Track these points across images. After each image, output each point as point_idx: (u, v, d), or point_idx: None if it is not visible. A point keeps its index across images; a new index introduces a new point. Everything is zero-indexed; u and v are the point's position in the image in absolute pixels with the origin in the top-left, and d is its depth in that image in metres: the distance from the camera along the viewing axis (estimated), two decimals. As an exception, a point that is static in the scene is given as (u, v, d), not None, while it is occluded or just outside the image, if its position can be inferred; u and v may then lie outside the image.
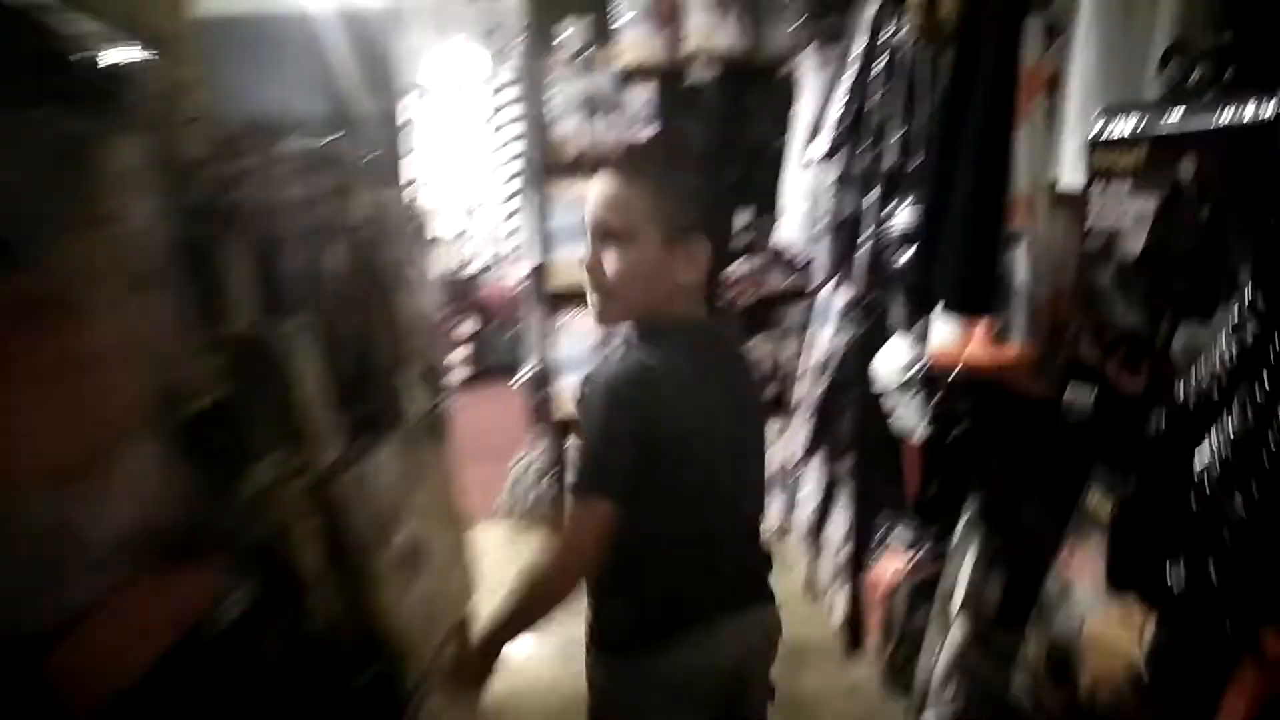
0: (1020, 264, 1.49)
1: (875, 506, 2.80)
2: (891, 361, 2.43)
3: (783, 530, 3.92)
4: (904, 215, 2.21)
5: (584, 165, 4.02)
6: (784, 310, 4.10)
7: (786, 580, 3.48)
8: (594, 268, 1.41)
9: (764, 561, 1.57)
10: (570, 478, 1.38)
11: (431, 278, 2.15)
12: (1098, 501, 1.45)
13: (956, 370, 1.75)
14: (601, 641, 1.46)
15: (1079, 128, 1.39)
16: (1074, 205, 1.51)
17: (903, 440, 2.59)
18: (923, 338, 2.36)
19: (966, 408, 1.82)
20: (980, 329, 1.55)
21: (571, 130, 3.97)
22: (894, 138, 2.37)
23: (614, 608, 1.44)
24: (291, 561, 1.47)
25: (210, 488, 1.39)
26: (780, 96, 3.76)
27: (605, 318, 1.46)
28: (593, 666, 1.47)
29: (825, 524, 3.26)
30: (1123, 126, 1.29)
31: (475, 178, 8.01)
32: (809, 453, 2.93)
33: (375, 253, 1.73)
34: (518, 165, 3.87)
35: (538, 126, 3.96)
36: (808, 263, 3.46)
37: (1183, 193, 1.21)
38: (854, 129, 2.46)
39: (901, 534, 2.70)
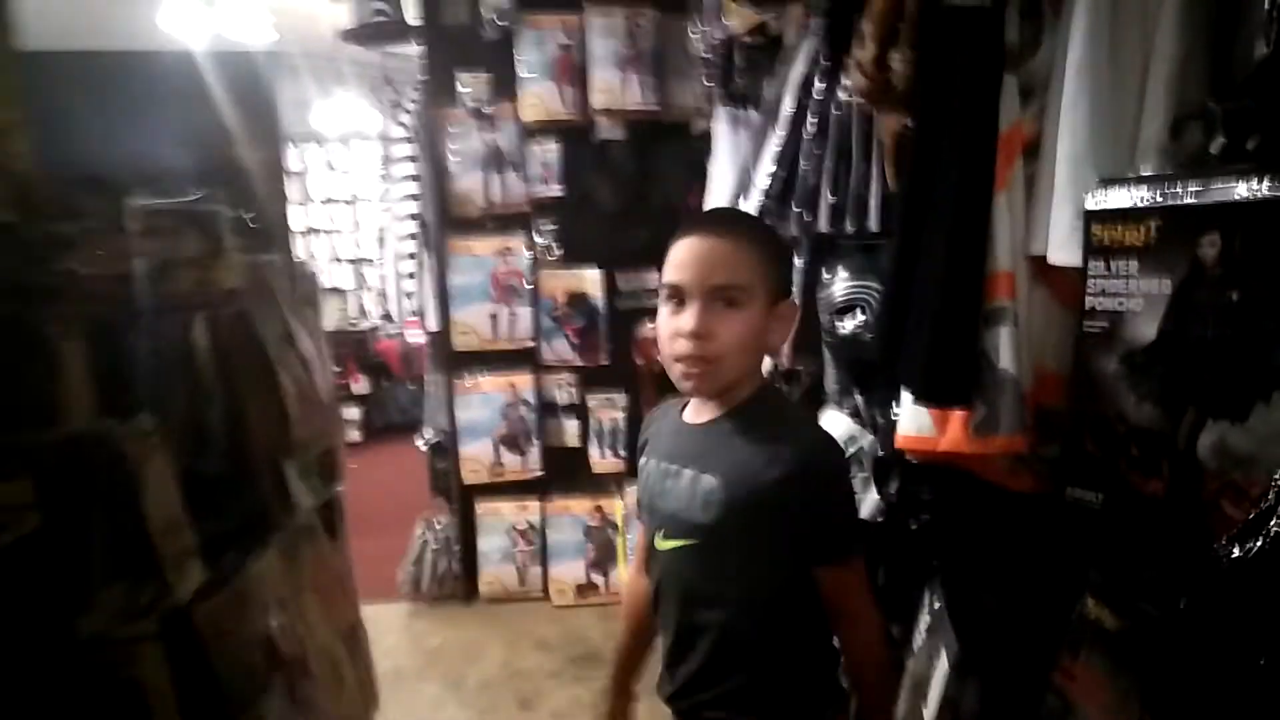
0: (1003, 348, 1.33)
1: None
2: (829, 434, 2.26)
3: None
4: (840, 285, 2.06)
5: (486, 222, 3.78)
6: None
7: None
8: (701, 333, 1.24)
9: None
10: (837, 546, 1.30)
11: (325, 348, 1.86)
12: (1099, 612, 1.28)
13: (913, 457, 1.57)
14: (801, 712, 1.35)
15: (1070, 197, 1.25)
16: (1061, 281, 1.37)
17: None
18: (861, 413, 2.22)
19: (930, 497, 1.65)
20: (955, 418, 1.38)
21: (472, 186, 3.73)
22: (826, 203, 2.23)
23: (808, 678, 1.36)
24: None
25: (27, 639, 1.09)
26: (691, 155, 3.64)
27: (707, 387, 1.30)
28: None
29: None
30: (1127, 197, 1.16)
31: (368, 231, 7.68)
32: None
33: (252, 326, 1.45)
34: (412, 222, 3.57)
35: (437, 181, 3.71)
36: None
37: (1205, 272, 1.07)
38: (784, 193, 2.31)
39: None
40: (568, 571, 3.81)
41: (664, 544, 1.34)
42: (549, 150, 3.72)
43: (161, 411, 1.25)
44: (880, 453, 1.97)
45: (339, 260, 8.58)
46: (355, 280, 8.39)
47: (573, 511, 3.81)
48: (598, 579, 3.81)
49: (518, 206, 3.75)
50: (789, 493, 1.22)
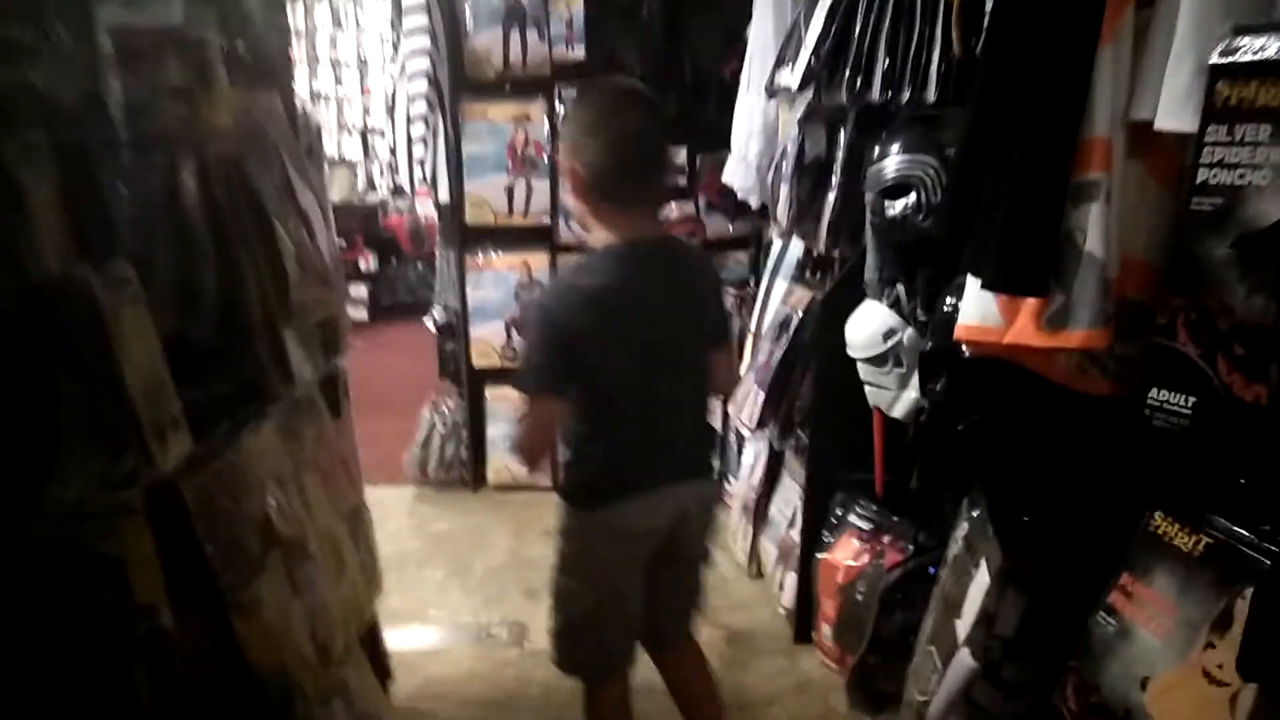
0: (1091, 227, 1.17)
1: (830, 485, 2.52)
2: (866, 327, 2.12)
3: (720, 499, 3.65)
4: (893, 161, 1.88)
5: (503, 86, 3.54)
6: (726, 259, 3.76)
7: (725, 556, 3.21)
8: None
9: (705, 443, 1.97)
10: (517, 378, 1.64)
11: (328, 206, 1.71)
12: (1167, 528, 1.17)
13: (971, 350, 1.43)
14: (566, 495, 1.77)
15: (1193, 48, 1.07)
16: (1160, 152, 1.20)
17: (870, 416, 2.31)
18: (902, 304, 2.08)
19: (982, 395, 1.52)
20: (1026, 307, 1.24)
21: (489, 44, 3.47)
22: (880, 69, 2.03)
23: (575, 472, 1.76)
24: (127, 596, 1.07)
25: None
26: (729, 18, 3.37)
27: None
28: (562, 511, 1.77)
29: (770, 499, 2.98)
30: (1266, 49, 0.98)
31: (378, 98, 7.36)
32: (761, 423, 2.62)
33: (245, 172, 1.29)
34: (422, 84, 3.34)
35: (451, 36, 3.45)
36: (760, 209, 3.11)
37: (1363, 141, 0.91)
38: (834, 56, 2.10)
39: (860, 517, 2.43)
40: (578, 457, 3.74)
41: None
42: (573, 7, 3.44)
43: (142, 260, 1.11)
44: (925, 347, 1.83)
45: (346, 129, 8.29)
46: (364, 151, 8.12)
47: (585, 397, 3.71)
48: (608, 466, 3.74)
49: (537, 70, 3.50)
50: None
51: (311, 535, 1.45)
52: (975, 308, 1.33)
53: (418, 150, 3.43)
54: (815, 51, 2.09)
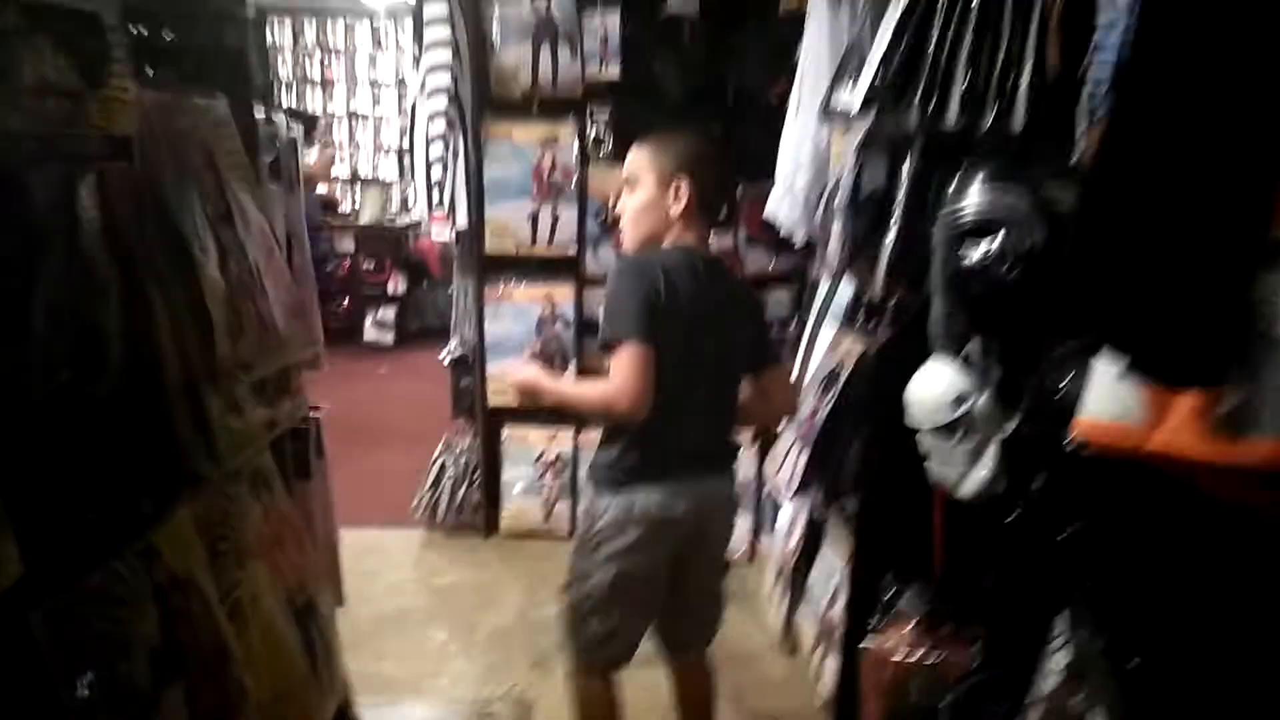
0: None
1: (880, 564, 2.18)
2: (931, 391, 1.79)
3: (750, 554, 3.32)
4: (974, 198, 1.56)
5: (531, 105, 3.28)
6: (766, 298, 3.44)
7: (756, 623, 2.88)
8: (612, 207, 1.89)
9: (729, 447, 1.94)
10: (601, 335, 1.72)
11: (301, 235, 1.44)
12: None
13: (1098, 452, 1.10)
14: (593, 476, 1.86)
15: None
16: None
17: (930, 492, 1.98)
18: (973, 363, 1.75)
19: (1092, 498, 1.19)
20: (1184, 401, 0.91)
21: (517, 61, 3.22)
22: (960, 88, 1.72)
23: (606, 451, 1.82)
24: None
25: None
26: (778, 37, 3.09)
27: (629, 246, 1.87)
28: (589, 492, 1.87)
29: (808, 568, 2.65)
30: None
31: (408, 115, 7.21)
32: (802, 486, 2.30)
33: (159, 194, 1.02)
34: (441, 101, 3.09)
35: (476, 51, 3.20)
36: (806, 245, 2.81)
37: None
38: (903, 75, 1.79)
39: (914, 605, 2.09)
40: (598, 508, 3.43)
41: None
42: (609, 23, 3.18)
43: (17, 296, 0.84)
44: (1008, 432, 1.50)
45: (383, 149, 8.18)
46: (399, 172, 7.98)
47: (608, 442, 3.40)
48: (631, 518, 3.42)
49: (568, 90, 3.24)
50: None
51: (242, 644, 1.15)
52: (1107, 397, 1.01)
53: (435, 172, 3.17)
54: (881, 68, 1.79)
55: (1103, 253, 1.01)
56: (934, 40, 1.73)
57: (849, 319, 2.45)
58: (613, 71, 3.23)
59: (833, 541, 2.51)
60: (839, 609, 2.39)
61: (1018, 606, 1.61)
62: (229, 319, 1.09)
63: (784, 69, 3.08)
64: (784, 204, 2.70)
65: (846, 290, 2.51)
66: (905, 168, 2.03)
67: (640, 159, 1.84)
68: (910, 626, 2.05)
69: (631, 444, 1.78)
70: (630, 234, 1.86)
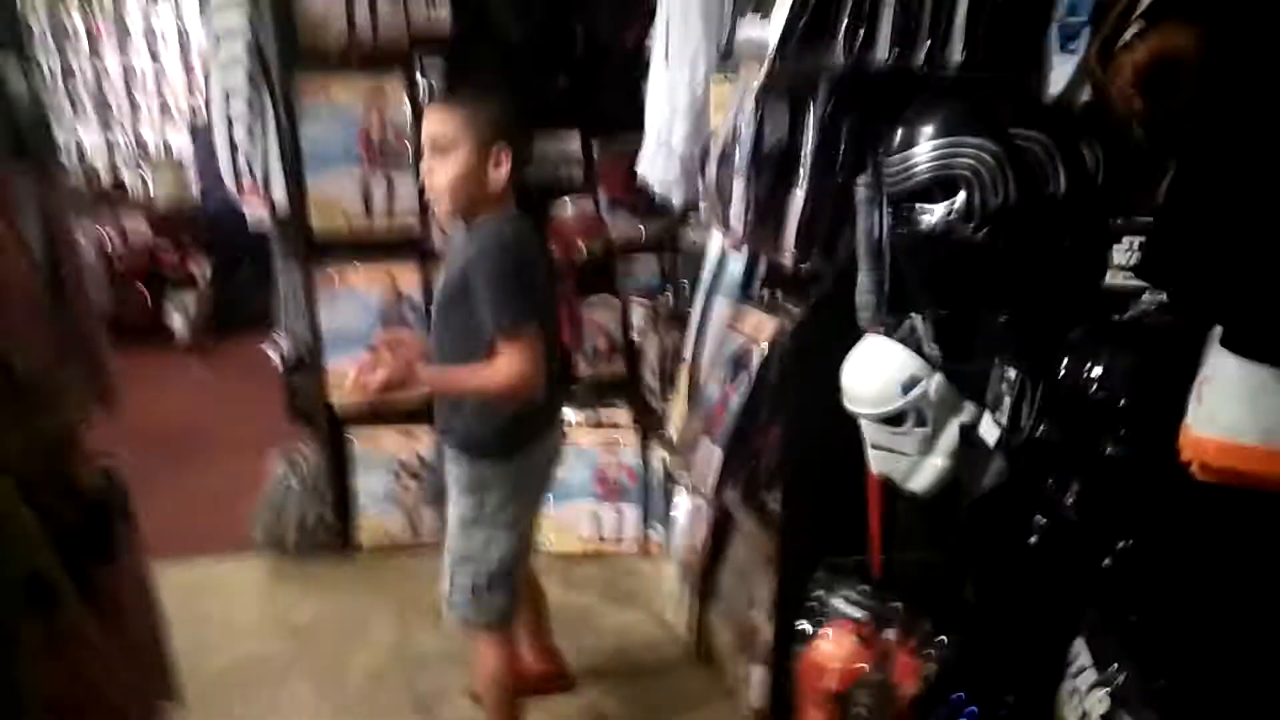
0: None
1: (807, 563, 1.97)
2: (876, 374, 1.57)
3: (643, 549, 3.06)
4: (927, 150, 1.31)
5: (350, 59, 2.81)
6: (634, 266, 3.15)
7: (660, 629, 2.64)
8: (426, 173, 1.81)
9: (565, 388, 2.35)
10: (498, 320, 1.73)
11: (60, 233, 1.01)
12: None
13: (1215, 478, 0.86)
14: (479, 447, 1.89)
15: None
16: None
17: (861, 481, 1.78)
18: (925, 340, 1.53)
19: (1145, 514, 0.98)
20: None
21: (331, 5, 2.73)
22: (891, 15, 1.46)
23: (491, 421, 1.86)
24: None
25: None
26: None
27: (454, 214, 1.84)
28: (467, 468, 1.90)
29: (718, 566, 2.42)
30: None
31: (202, 78, 6.36)
32: (719, 488, 2.04)
33: None
34: (237, 47, 2.57)
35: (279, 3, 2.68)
36: (686, 209, 2.53)
37: None
38: (824, 5, 1.51)
39: (851, 604, 1.89)
40: (469, 511, 3.07)
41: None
42: (436, -38, 2.74)
43: None
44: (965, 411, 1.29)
45: (170, 113, 7.23)
46: (193, 141, 7.08)
47: (473, 438, 3.04)
48: (506, 518, 3.09)
49: (393, 39, 2.78)
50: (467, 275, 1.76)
51: None
52: (1240, 410, 0.77)
53: (238, 133, 2.65)
54: (797, 6, 1.50)
55: (1203, 219, 0.77)
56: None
57: (746, 292, 2.20)
58: (442, 16, 2.80)
59: (748, 540, 2.28)
60: (760, 610, 2.17)
61: (1012, 622, 1.42)
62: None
63: (638, 12, 2.77)
64: (657, 162, 2.40)
65: (737, 259, 2.25)
66: (811, 116, 1.77)
67: (454, 123, 1.76)
68: (849, 630, 1.86)
69: (520, 409, 1.83)
70: (447, 203, 1.81)
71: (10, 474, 0.84)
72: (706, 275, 2.34)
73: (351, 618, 2.76)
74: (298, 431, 3.15)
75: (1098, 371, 1.02)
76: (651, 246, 3.10)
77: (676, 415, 2.52)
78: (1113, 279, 1.18)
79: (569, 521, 3.04)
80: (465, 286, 1.75)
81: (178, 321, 6.07)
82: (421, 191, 2.87)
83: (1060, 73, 1.22)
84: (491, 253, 1.74)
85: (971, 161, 1.25)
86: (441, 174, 1.76)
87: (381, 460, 3.04)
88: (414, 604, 2.76)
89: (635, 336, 3.09)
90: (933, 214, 1.30)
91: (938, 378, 1.50)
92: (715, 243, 2.32)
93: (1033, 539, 1.11)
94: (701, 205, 2.36)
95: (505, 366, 1.73)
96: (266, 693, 2.42)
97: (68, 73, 6.90)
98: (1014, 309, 1.40)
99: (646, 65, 2.60)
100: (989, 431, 1.39)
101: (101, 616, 0.99)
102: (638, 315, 3.11)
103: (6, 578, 0.78)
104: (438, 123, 1.78)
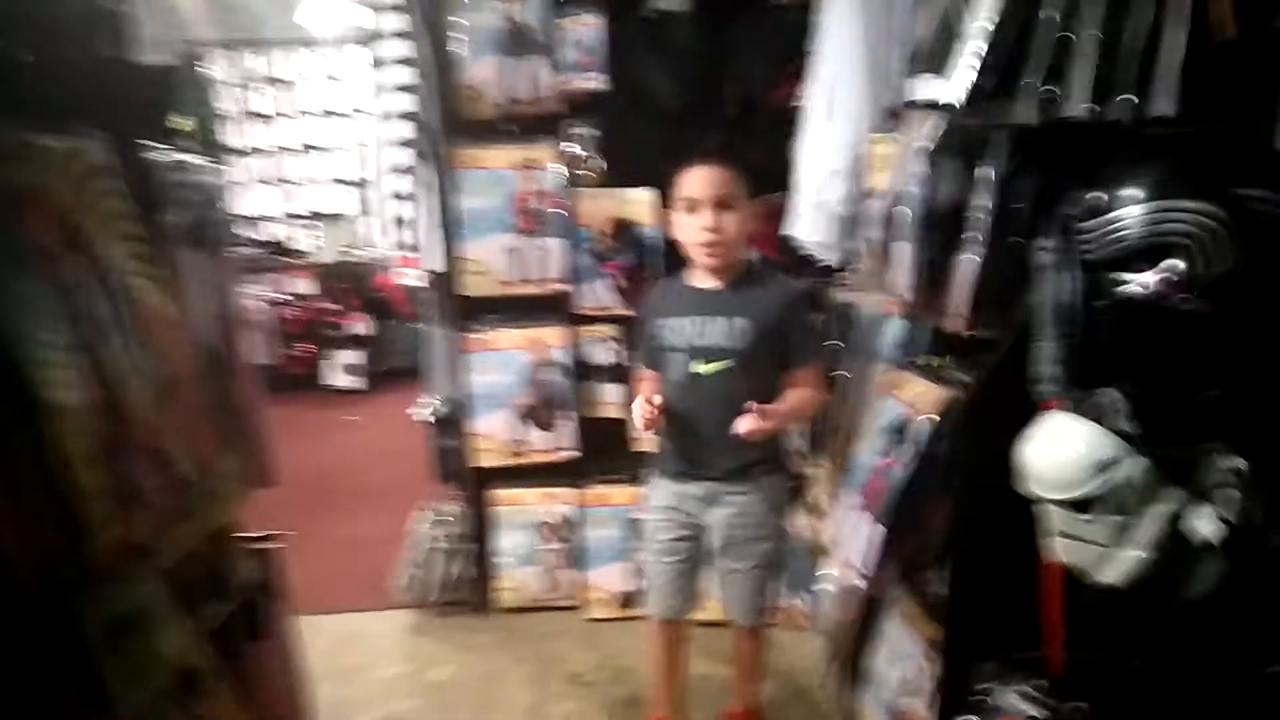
0: None
1: (971, 652, 1.80)
2: (1064, 454, 1.42)
3: (786, 619, 2.91)
4: (1138, 212, 1.18)
5: (504, 126, 2.88)
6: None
7: (807, 708, 2.49)
8: (716, 228, 2.00)
9: None
10: (815, 352, 2.12)
11: (226, 312, 1.03)
12: None
13: None
14: (777, 464, 2.16)
15: None
16: None
17: (1037, 567, 1.62)
18: (1122, 418, 1.37)
19: None
20: None
21: (486, 76, 2.82)
22: (1085, 70, 1.34)
23: (778, 441, 2.14)
24: None
25: None
26: (781, 30, 2.73)
27: (721, 264, 2.05)
28: (772, 484, 2.13)
29: (867, 646, 2.25)
30: None
31: (370, 144, 6.76)
32: (880, 560, 1.90)
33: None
34: (405, 128, 2.67)
35: (438, 68, 2.80)
36: (838, 269, 2.44)
37: None
38: (1011, 58, 1.41)
39: (1026, 700, 1.71)
40: (607, 576, 3.01)
41: (707, 369, 2.01)
42: (587, 27, 2.78)
43: None
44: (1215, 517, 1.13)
45: (340, 182, 7.72)
46: (359, 205, 7.53)
47: (614, 501, 2.98)
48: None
49: (547, 106, 2.84)
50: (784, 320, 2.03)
51: None
52: None
53: (404, 210, 2.75)
54: (989, 50, 1.40)
55: None
56: (1045, 12, 1.36)
57: (907, 357, 2.07)
58: (595, 80, 2.84)
59: (901, 618, 2.12)
60: (917, 700, 2.00)
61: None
62: (110, 482, 0.68)
63: (791, 70, 2.73)
64: (812, 222, 2.32)
65: (897, 323, 2.13)
66: (988, 175, 1.66)
67: (732, 179, 2.01)
68: (1020, 733, 1.67)
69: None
70: (731, 257, 2.05)
71: (168, 571, 0.83)
72: (862, 339, 2.23)
73: (487, 678, 2.73)
74: (445, 490, 3.19)
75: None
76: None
77: (826, 482, 2.40)
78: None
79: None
80: (778, 330, 2.01)
81: (341, 374, 6.39)
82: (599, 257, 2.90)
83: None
84: (802, 298, 2.11)
85: (1189, 226, 1.12)
86: (731, 226, 2.00)
87: (524, 518, 3.04)
88: (551, 667, 2.73)
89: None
90: (1142, 283, 1.17)
91: (1139, 460, 1.34)
92: (872, 305, 2.21)
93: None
94: (859, 266, 2.26)
95: (819, 386, 2.09)
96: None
97: (256, 150, 7.47)
98: (1228, 387, 1.24)
99: (794, 124, 2.55)
100: (1207, 526, 1.23)
101: (250, 696, 0.98)
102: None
103: (154, 682, 0.76)
104: (718, 182, 2.00)
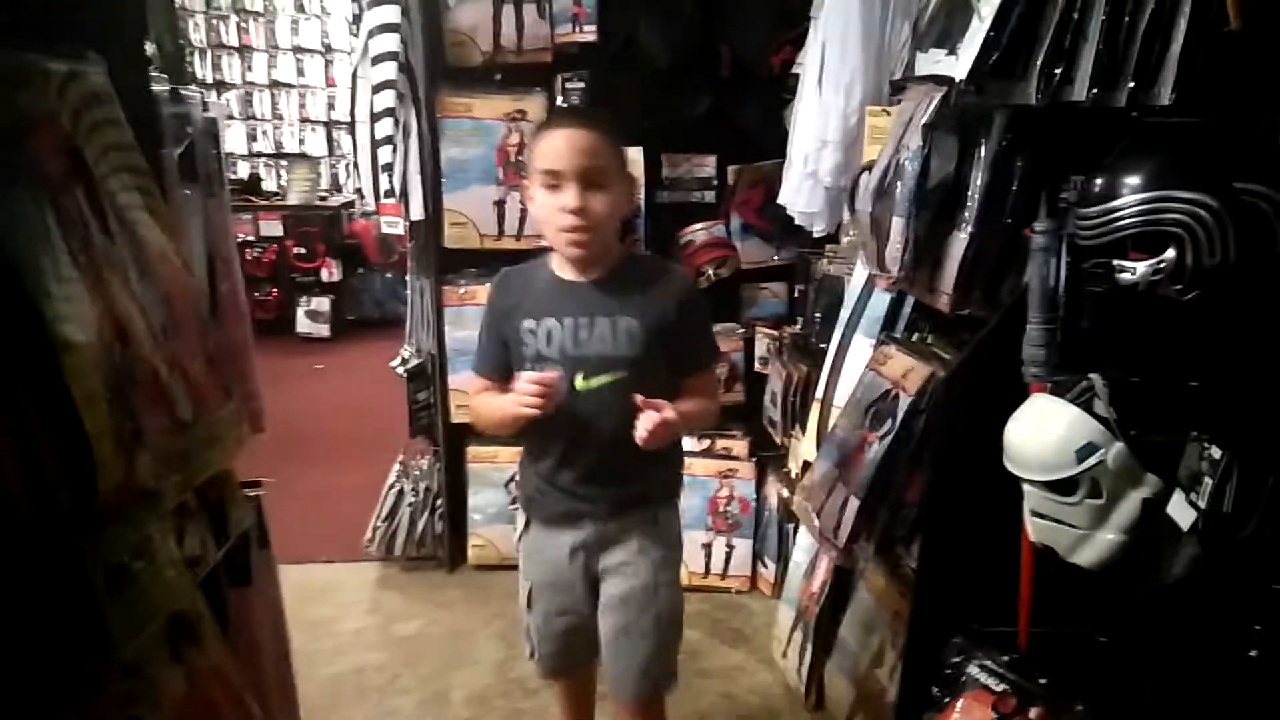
0: None
1: (943, 625, 1.84)
2: (1047, 436, 1.44)
3: (751, 585, 2.97)
4: (1135, 201, 1.19)
5: (493, 74, 2.83)
6: (758, 292, 3.07)
7: (771, 673, 2.54)
8: (579, 210, 1.54)
9: None
10: (709, 355, 1.77)
11: (230, 253, 1.00)
12: None
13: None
14: (670, 492, 1.79)
15: None
16: None
17: (1011, 543, 1.66)
18: (1104, 403, 1.40)
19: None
20: None
21: (476, 21, 2.76)
22: (1090, 57, 1.35)
23: (675, 460, 1.81)
24: None
25: None
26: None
27: (589, 252, 1.60)
28: (666, 517, 1.75)
29: (838, 617, 2.30)
30: None
31: (344, 87, 6.61)
32: (852, 539, 1.93)
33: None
34: (389, 69, 2.61)
35: (428, 10, 2.73)
36: (824, 240, 2.45)
37: None
38: (1018, 37, 1.40)
39: (990, 674, 1.76)
40: (579, 535, 3.02)
41: (591, 382, 1.55)
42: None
43: None
44: (1190, 504, 1.16)
45: (309, 122, 7.57)
46: (328, 147, 7.39)
47: (587, 461, 2.99)
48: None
49: (536, 55, 2.79)
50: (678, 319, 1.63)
51: None
52: None
53: (384, 154, 2.69)
54: (995, 29, 1.40)
55: None
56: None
57: (890, 331, 2.09)
58: (587, 32, 2.79)
59: (872, 589, 2.16)
60: (887, 670, 2.05)
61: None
62: (116, 423, 0.66)
63: (787, 31, 2.71)
64: (803, 191, 2.32)
65: (883, 296, 2.14)
66: (983, 154, 1.67)
67: (604, 147, 1.57)
68: (988, 703, 1.72)
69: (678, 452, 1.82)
70: (598, 242, 1.59)
71: (168, 516, 0.82)
72: (846, 310, 2.24)
73: (456, 633, 2.74)
74: (418, 445, 3.17)
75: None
76: (781, 272, 3.02)
77: (802, 452, 2.42)
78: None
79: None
80: (672, 330, 1.60)
81: (309, 321, 6.29)
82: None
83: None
84: (698, 294, 1.76)
85: (1184, 217, 1.13)
86: (602, 208, 1.54)
87: (496, 477, 3.03)
88: (515, 624, 2.73)
89: (759, 365, 3.01)
90: (1134, 271, 1.19)
91: (1119, 446, 1.37)
92: (859, 277, 2.22)
93: (1253, 652, 0.98)
94: (847, 238, 2.26)
95: (715, 393, 1.84)
96: (368, 707, 2.41)
97: (221, 84, 7.29)
98: (1211, 378, 1.27)
99: (791, 90, 2.54)
100: (1181, 513, 1.26)
101: (236, 643, 0.98)
102: (762, 344, 3.03)
103: (151, 626, 0.75)
104: (587, 151, 1.53)
